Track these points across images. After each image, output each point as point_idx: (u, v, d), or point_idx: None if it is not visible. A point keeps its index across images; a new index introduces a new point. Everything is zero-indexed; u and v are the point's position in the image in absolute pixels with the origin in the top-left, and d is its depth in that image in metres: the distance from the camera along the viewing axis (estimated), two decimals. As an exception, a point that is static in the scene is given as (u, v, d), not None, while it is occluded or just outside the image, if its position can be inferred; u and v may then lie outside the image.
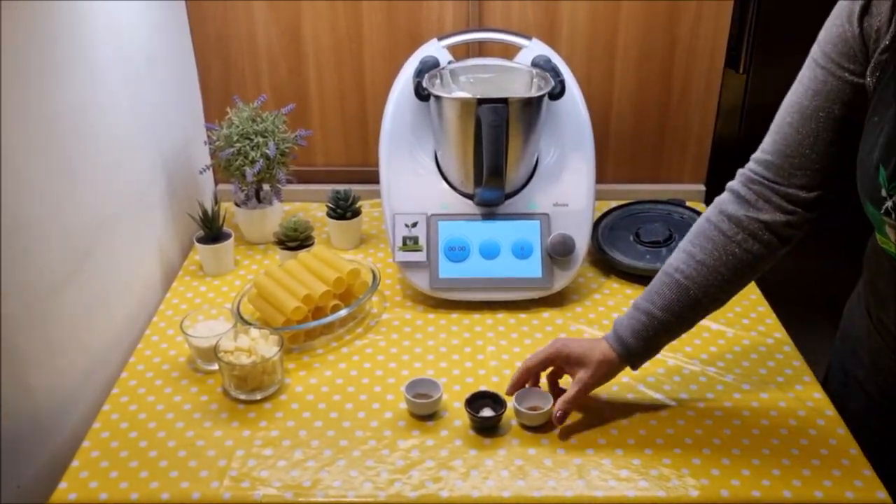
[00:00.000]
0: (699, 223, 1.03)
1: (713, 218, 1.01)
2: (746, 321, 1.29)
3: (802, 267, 1.42)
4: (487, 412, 1.07)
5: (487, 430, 1.06)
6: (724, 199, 1.02)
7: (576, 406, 1.05)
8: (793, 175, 0.96)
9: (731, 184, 1.02)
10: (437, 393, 1.09)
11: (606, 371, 1.05)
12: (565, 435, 1.06)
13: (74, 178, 1.09)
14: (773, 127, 0.98)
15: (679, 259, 1.02)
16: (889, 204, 0.86)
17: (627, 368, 1.07)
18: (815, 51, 0.93)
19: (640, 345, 1.03)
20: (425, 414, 1.09)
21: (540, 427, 1.07)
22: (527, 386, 1.09)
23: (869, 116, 0.89)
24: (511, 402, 1.07)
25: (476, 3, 1.53)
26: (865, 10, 0.86)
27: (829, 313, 1.28)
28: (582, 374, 1.05)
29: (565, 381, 1.10)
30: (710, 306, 1.03)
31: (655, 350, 1.06)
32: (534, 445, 1.04)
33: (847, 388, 1.14)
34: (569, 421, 1.08)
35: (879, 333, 1.06)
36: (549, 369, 1.10)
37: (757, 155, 1.00)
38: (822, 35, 0.92)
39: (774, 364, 1.19)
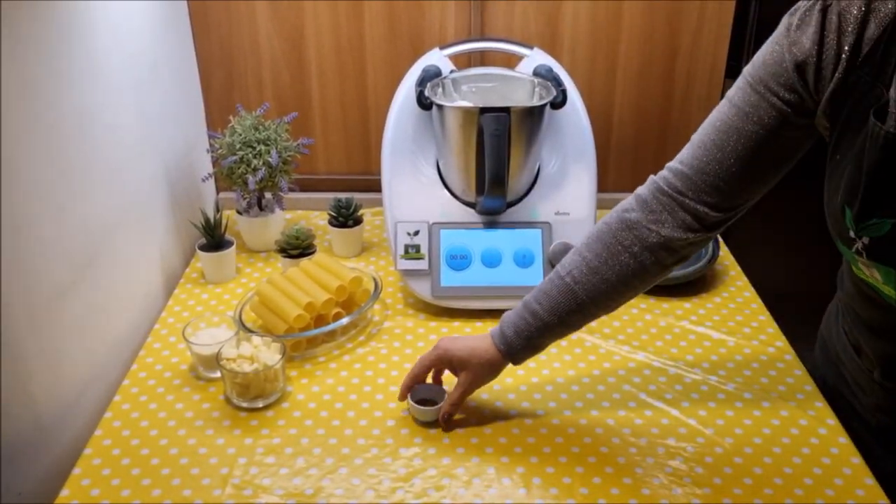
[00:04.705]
0: (598, 226, 1.02)
1: (613, 224, 0.99)
2: (748, 330, 1.30)
3: (805, 278, 1.42)
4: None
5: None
6: (628, 205, 0.99)
7: (460, 407, 1.08)
8: (703, 192, 0.94)
9: (639, 190, 1.00)
10: (441, 399, 1.09)
11: (489, 371, 1.07)
12: (567, 443, 1.06)
13: (77, 185, 1.10)
14: (694, 140, 0.95)
15: (572, 262, 1.01)
16: (859, 245, 0.85)
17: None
18: (749, 72, 0.90)
19: (522, 343, 1.03)
20: (429, 420, 1.09)
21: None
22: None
23: (830, 156, 0.87)
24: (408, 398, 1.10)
25: (478, 12, 1.54)
26: (804, 65, 0.84)
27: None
28: (464, 377, 1.07)
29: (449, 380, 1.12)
30: (597, 312, 1.03)
31: (539, 349, 1.06)
32: (536, 454, 1.04)
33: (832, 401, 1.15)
34: (571, 429, 1.08)
35: (857, 353, 1.06)
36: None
37: (672, 164, 0.97)
38: (759, 58, 0.89)
39: (776, 373, 1.19)
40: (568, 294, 1.00)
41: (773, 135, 0.89)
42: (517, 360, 1.06)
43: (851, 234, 0.85)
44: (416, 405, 1.08)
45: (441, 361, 1.09)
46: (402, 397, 1.11)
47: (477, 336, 1.08)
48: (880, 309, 0.94)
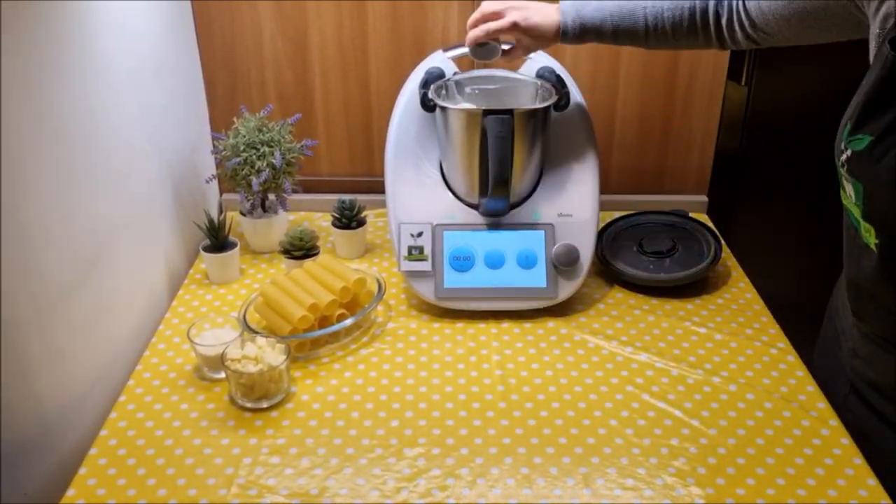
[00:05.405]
0: None
1: None
2: (750, 331, 1.30)
3: (807, 280, 1.42)
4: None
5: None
6: None
7: (491, 36, 1.24)
8: (758, 18, 1.11)
9: None
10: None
11: (537, 41, 1.24)
12: (571, 444, 1.06)
13: (82, 187, 1.10)
14: None
15: None
16: (844, 157, 0.91)
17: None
18: None
19: (585, 21, 1.21)
20: (488, 59, 1.26)
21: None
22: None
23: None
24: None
25: (481, 14, 1.54)
26: None
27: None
28: (519, 37, 1.24)
29: None
30: (641, 36, 1.20)
31: (589, 33, 1.22)
32: (539, 454, 1.04)
33: (831, 372, 1.18)
34: (574, 430, 1.09)
35: (849, 300, 1.09)
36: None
37: None
38: None
39: (778, 375, 1.20)
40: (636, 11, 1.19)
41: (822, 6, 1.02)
42: (567, 32, 1.22)
43: (843, 146, 0.92)
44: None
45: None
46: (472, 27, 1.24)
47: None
48: (850, 235, 1.00)
